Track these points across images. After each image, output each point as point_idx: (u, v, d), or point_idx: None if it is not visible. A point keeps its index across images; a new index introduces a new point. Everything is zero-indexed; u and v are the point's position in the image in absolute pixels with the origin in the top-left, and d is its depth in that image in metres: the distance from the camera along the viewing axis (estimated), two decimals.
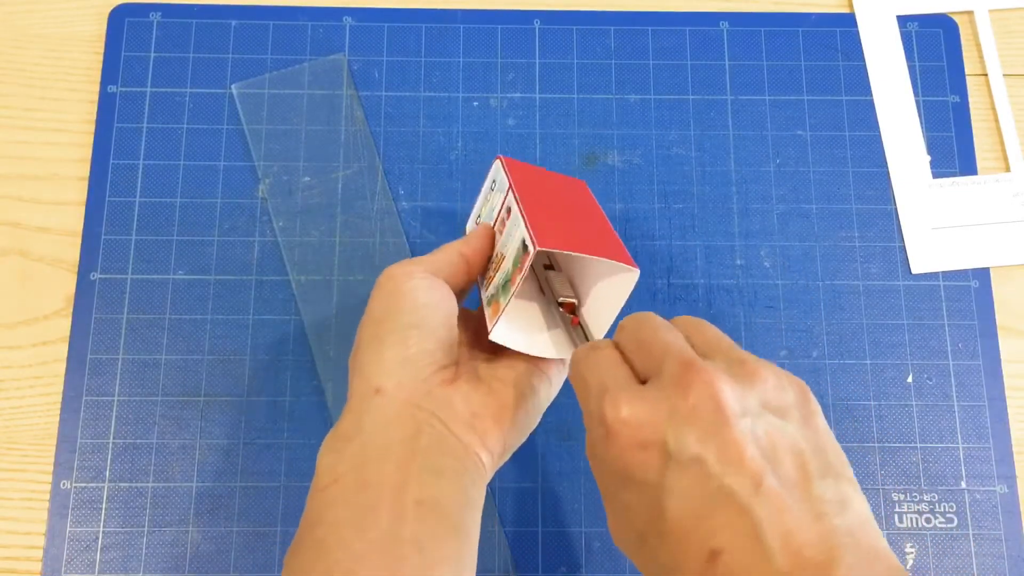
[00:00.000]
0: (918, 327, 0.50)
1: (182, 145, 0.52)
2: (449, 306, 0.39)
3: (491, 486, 0.47)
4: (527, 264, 0.37)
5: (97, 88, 0.53)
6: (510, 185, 0.41)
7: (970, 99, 0.55)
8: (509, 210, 0.41)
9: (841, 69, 0.55)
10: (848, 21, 0.56)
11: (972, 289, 0.51)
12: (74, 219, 0.51)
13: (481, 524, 0.47)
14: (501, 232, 0.41)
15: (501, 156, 0.44)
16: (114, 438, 0.48)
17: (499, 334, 0.39)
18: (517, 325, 0.40)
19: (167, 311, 0.50)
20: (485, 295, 0.41)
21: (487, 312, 0.40)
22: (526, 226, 0.38)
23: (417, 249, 0.51)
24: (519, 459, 0.48)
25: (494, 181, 0.44)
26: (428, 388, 0.37)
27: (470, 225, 0.46)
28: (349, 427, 0.36)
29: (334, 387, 0.48)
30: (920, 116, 0.54)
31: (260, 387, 0.49)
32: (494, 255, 0.42)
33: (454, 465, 0.36)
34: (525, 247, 0.38)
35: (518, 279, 0.38)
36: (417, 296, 0.38)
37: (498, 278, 0.40)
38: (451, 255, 0.41)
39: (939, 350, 0.50)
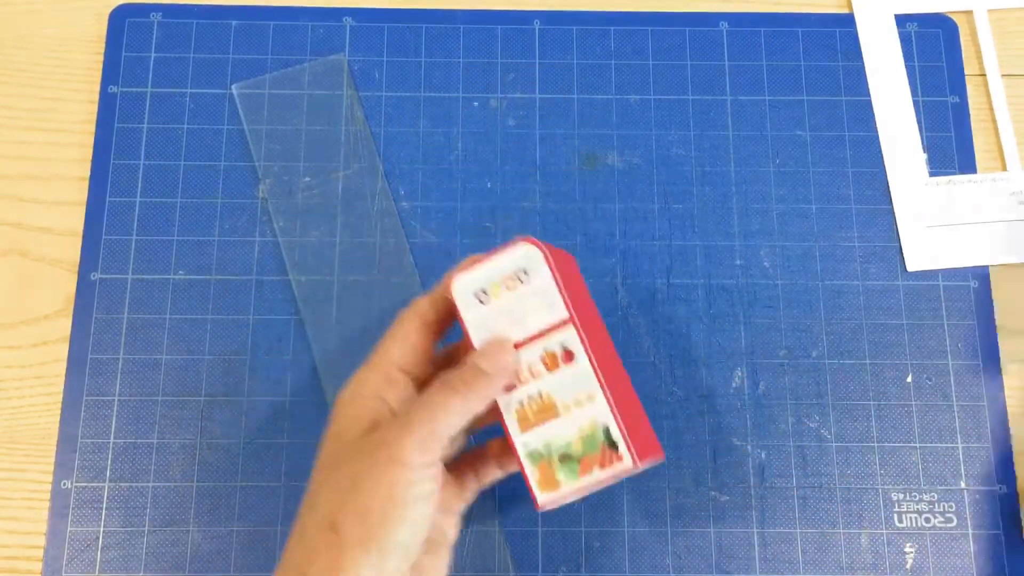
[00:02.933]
0: (917, 327, 0.50)
1: (182, 145, 0.52)
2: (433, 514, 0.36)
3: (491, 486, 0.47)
4: (612, 472, 0.36)
5: (97, 88, 0.53)
6: (572, 318, 0.37)
7: (969, 99, 0.55)
8: (570, 354, 0.37)
9: (840, 69, 0.55)
10: (847, 21, 0.56)
11: (971, 289, 0.51)
12: (74, 219, 0.51)
13: (481, 524, 0.47)
14: (549, 366, 0.38)
15: (540, 244, 0.38)
16: (114, 438, 0.48)
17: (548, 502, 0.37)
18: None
19: (167, 311, 0.50)
20: (522, 442, 0.37)
21: (530, 470, 0.37)
22: (617, 423, 0.36)
23: (417, 249, 0.51)
24: None
25: (524, 272, 0.38)
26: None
27: (460, 283, 0.39)
28: None
29: (334, 387, 0.48)
30: (919, 116, 0.54)
31: (260, 387, 0.49)
32: (535, 388, 0.38)
33: None
34: (612, 443, 0.36)
35: (591, 479, 0.36)
36: (415, 510, 0.34)
37: (551, 434, 0.37)
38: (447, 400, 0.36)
39: (938, 350, 0.50)
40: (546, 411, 0.37)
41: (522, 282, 0.38)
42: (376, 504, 0.33)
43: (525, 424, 0.38)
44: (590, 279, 0.51)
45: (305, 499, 0.36)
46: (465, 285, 0.38)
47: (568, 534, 0.47)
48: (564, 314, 0.37)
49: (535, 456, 0.37)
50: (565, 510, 0.47)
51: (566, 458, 0.37)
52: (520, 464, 0.38)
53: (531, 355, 0.38)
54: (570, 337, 0.37)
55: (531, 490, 0.37)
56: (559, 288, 0.38)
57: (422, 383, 0.39)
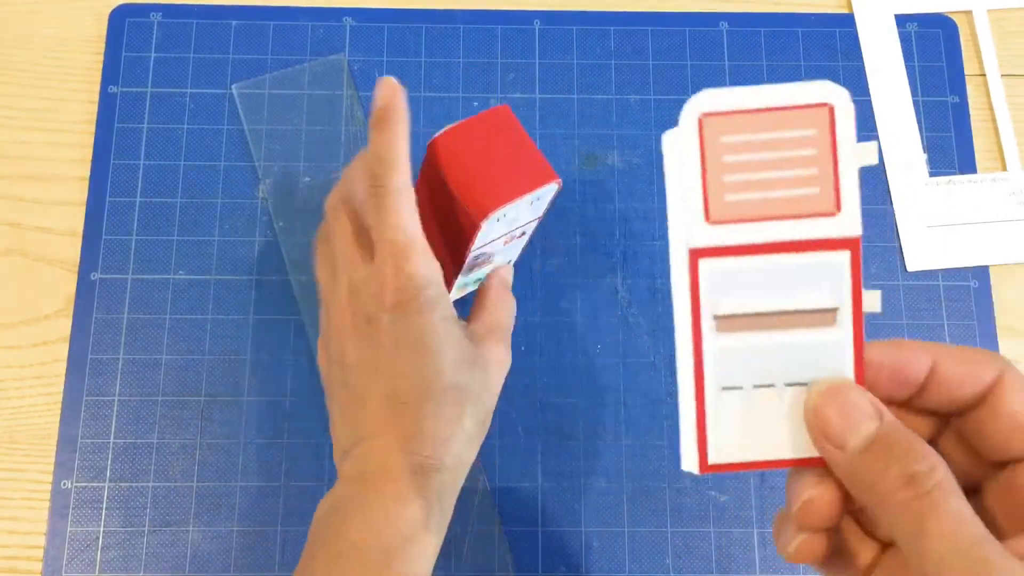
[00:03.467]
0: (918, 327, 0.50)
1: (182, 145, 0.52)
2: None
3: (491, 486, 0.48)
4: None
5: (97, 88, 0.53)
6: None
7: (969, 99, 0.55)
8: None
9: (840, 69, 0.55)
10: (847, 21, 0.56)
11: (971, 289, 0.51)
12: (74, 219, 0.51)
13: (481, 524, 0.47)
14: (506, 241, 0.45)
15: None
16: (114, 438, 0.48)
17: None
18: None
19: (167, 311, 0.50)
20: (462, 275, 0.44)
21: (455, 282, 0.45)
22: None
23: None
24: (519, 459, 0.48)
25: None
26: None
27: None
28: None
29: None
30: (919, 116, 0.54)
31: (260, 387, 0.49)
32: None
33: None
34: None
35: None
36: (462, 353, 0.40)
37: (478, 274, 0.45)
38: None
39: None
40: (485, 263, 0.45)
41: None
42: (414, 358, 0.39)
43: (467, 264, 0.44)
44: (590, 279, 0.51)
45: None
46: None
47: (568, 534, 0.47)
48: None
49: (462, 285, 0.47)
50: (565, 510, 0.47)
51: (476, 282, 0.47)
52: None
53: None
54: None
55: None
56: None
57: None
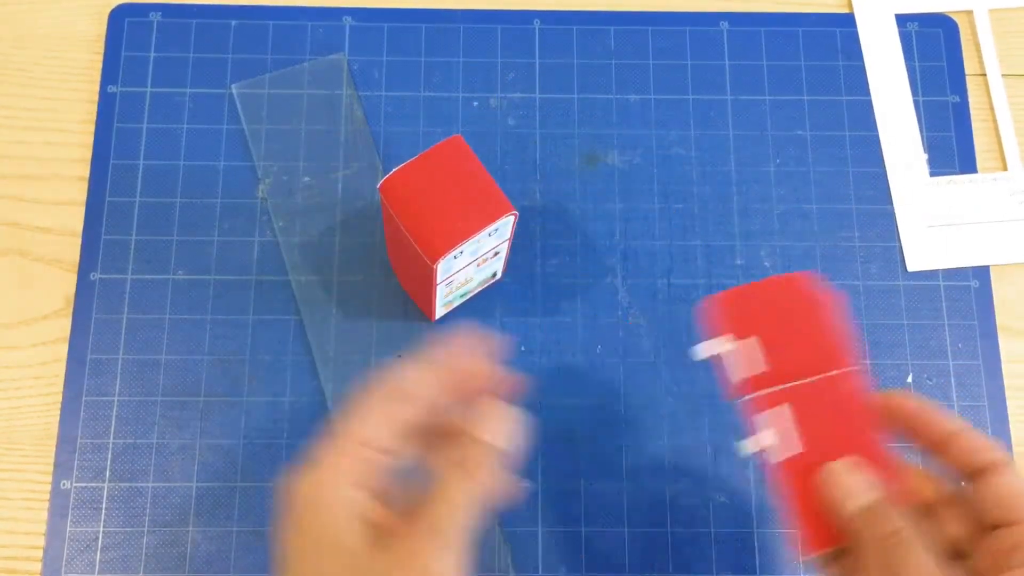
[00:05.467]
0: (918, 327, 0.50)
1: (182, 145, 0.52)
2: None
3: None
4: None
5: (97, 88, 0.53)
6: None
7: (969, 99, 0.55)
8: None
9: (841, 69, 0.55)
10: (848, 21, 0.56)
11: (972, 289, 0.51)
12: (74, 219, 0.51)
13: (481, 524, 0.47)
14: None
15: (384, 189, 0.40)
16: (114, 438, 0.48)
17: None
18: None
19: (167, 311, 0.50)
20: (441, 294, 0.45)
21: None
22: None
23: None
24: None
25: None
26: None
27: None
28: None
29: (334, 387, 0.48)
30: (920, 116, 0.54)
31: (260, 387, 0.49)
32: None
33: None
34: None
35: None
36: None
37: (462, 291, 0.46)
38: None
39: (939, 350, 0.50)
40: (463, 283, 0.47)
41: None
42: None
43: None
44: (590, 279, 0.51)
45: None
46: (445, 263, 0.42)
47: (568, 534, 0.47)
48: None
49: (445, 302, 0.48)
50: (565, 510, 0.47)
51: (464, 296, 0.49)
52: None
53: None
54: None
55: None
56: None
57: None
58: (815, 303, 0.35)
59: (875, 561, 0.32)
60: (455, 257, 0.42)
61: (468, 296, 0.50)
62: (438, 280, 0.43)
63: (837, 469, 0.34)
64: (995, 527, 0.32)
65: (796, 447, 0.34)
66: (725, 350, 0.35)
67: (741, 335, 0.35)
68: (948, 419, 0.34)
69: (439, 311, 0.49)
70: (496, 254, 0.46)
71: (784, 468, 0.34)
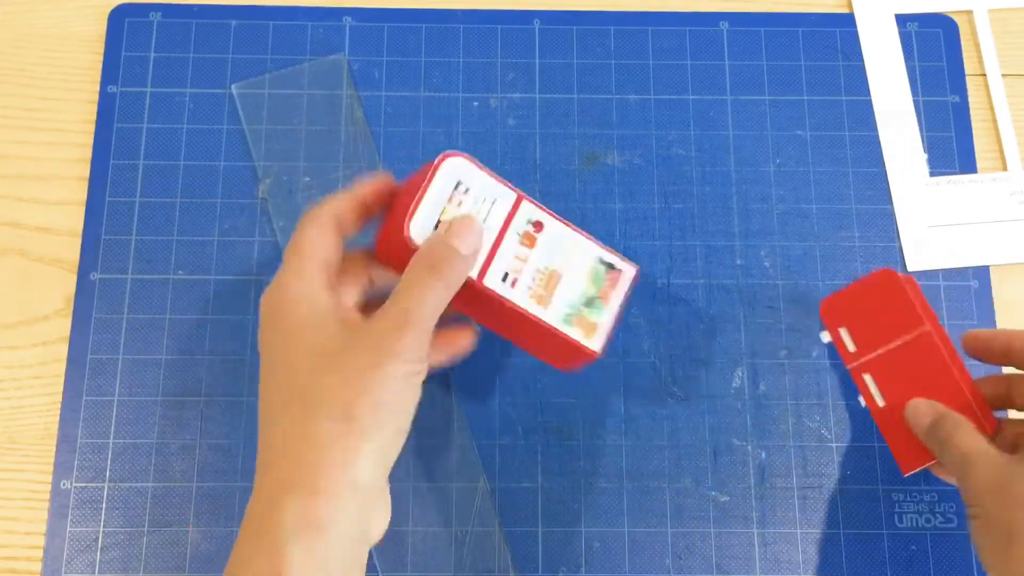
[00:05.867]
0: None
1: (182, 145, 0.52)
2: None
3: (491, 486, 0.47)
4: (626, 284, 0.42)
5: (97, 88, 0.53)
6: (519, 195, 0.41)
7: (969, 99, 0.55)
8: (538, 224, 0.41)
9: (841, 69, 0.55)
10: (848, 21, 0.56)
11: (972, 289, 0.51)
12: (74, 219, 0.51)
13: (481, 524, 0.47)
14: (529, 244, 0.41)
15: (457, 154, 0.40)
16: (114, 438, 0.48)
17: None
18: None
19: (167, 311, 0.50)
20: (551, 315, 0.40)
21: (571, 331, 0.40)
22: (604, 248, 0.42)
23: None
24: (519, 459, 0.48)
25: (461, 184, 0.40)
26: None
27: (416, 227, 0.39)
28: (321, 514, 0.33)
29: None
30: (920, 116, 0.54)
31: None
32: (532, 268, 0.40)
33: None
34: (611, 266, 0.41)
35: (615, 301, 0.41)
36: (415, 399, 0.36)
37: (566, 293, 0.40)
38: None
39: None
40: (552, 279, 0.41)
41: (466, 193, 0.40)
42: (389, 397, 0.34)
43: (542, 300, 0.40)
44: None
45: (291, 397, 0.35)
46: (420, 226, 0.39)
47: (568, 534, 0.47)
48: (512, 196, 0.41)
49: (568, 319, 0.41)
50: (565, 510, 0.47)
51: (589, 301, 0.41)
52: (561, 335, 0.40)
53: (511, 245, 0.40)
54: (530, 210, 0.41)
55: (583, 348, 0.40)
56: (496, 178, 0.40)
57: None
58: (891, 290, 0.45)
59: (944, 457, 0.40)
60: (437, 225, 0.40)
61: (597, 307, 0.44)
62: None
63: (911, 404, 0.43)
64: None
65: (880, 401, 0.45)
66: (827, 340, 0.47)
67: (836, 327, 0.46)
68: (999, 334, 0.43)
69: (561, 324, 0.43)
70: (539, 225, 0.42)
71: (876, 416, 0.45)
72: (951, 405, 0.43)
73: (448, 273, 0.37)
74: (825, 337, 0.47)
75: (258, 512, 0.34)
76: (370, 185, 0.41)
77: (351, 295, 0.40)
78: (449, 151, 0.40)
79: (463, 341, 0.42)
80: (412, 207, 0.39)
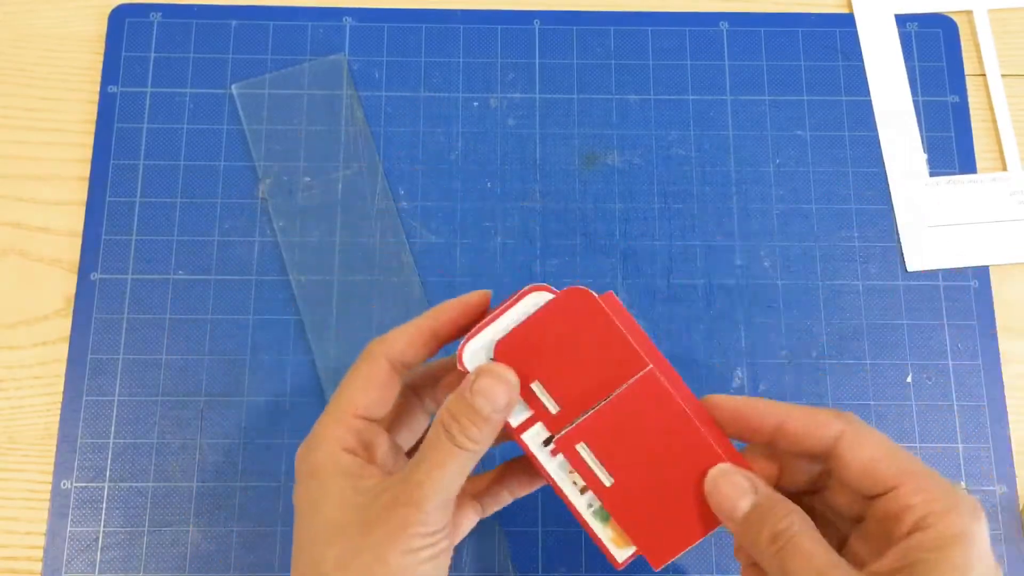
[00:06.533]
0: (918, 327, 0.50)
1: (182, 145, 0.52)
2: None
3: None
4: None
5: (97, 88, 0.53)
6: (652, 372, 0.33)
7: (969, 99, 0.55)
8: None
9: (840, 69, 0.55)
10: (847, 21, 0.56)
11: (972, 289, 0.51)
12: (74, 219, 0.51)
13: (481, 524, 0.47)
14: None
15: (552, 290, 0.34)
16: (114, 438, 0.48)
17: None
18: None
19: (167, 311, 0.50)
20: (585, 503, 0.35)
21: (600, 530, 0.35)
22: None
23: (417, 249, 0.51)
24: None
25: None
26: None
27: (471, 351, 0.34)
28: None
29: (334, 387, 0.48)
30: (920, 116, 0.54)
31: (260, 387, 0.49)
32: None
33: None
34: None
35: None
36: (439, 568, 0.33)
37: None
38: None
39: (939, 350, 0.50)
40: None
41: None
42: (402, 573, 0.32)
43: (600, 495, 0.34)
44: (590, 279, 0.51)
45: (302, 570, 0.33)
46: (475, 352, 0.34)
47: (568, 534, 0.47)
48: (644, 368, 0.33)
49: (604, 515, 0.35)
50: (565, 510, 0.47)
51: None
52: (588, 529, 0.35)
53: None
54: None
55: (607, 552, 0.35)
56: (618, 331, 0.33)
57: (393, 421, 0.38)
58: (589, 316, 0.33)
59: (768, 563, 0.31)
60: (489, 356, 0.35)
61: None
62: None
63: (715, 472, 0.33)
64: (872, 497, 0.31)
65: (607, 480, 0.34)
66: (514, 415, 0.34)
67: (526, 382, 0.34)
68: (769, 408, 0.33)
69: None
70: None
71: (605, 500, 0.34)
72: (701, 462, 0.33)
73: (463, 441, 0.32)
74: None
75: None
76: (455, 308, 0.35)
77: (409, 436, 0.38)
78: (543, 286, 0.34)
79: (516, 493, 0.39)
80: (476, 329, 0.34)
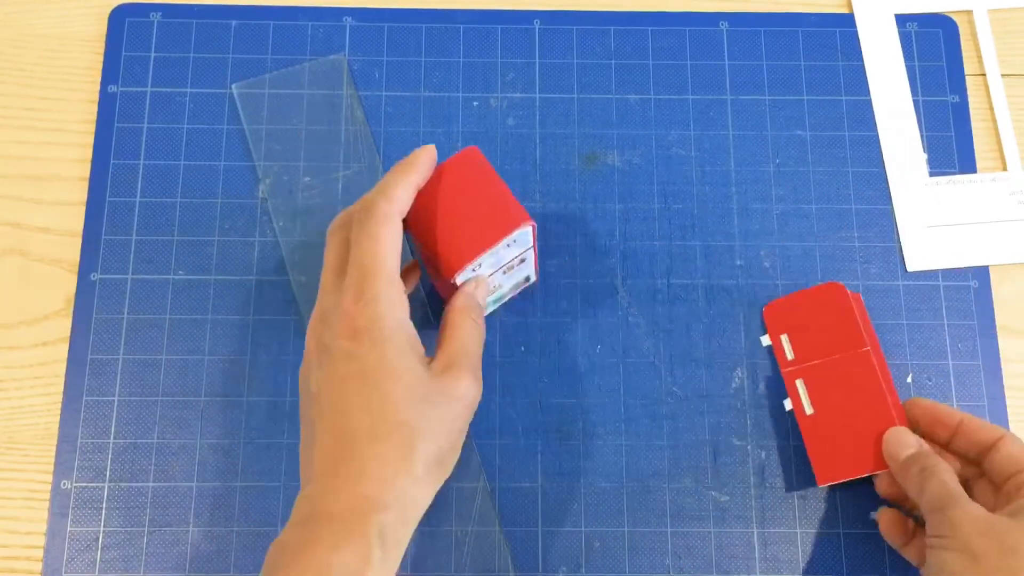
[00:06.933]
0: (918, 327, 0.50)
1: (182, 145, 0.52)
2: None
3: (491, 486, 0.48)
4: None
5: (97, 88, 0.53)
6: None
7: (969, 99, 0.55)
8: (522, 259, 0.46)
9: (840, 69, 0.55)
10: (847, 21, 0.56)
11: (971, 289, 0.51)
12: (74, 219, 0.51)
13: (481, 524, 0.47)
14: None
15: (531, 223, 0.43)
16: (114, 438, 0.48)
17: None
18: None
19: (167, 311, 0.50)
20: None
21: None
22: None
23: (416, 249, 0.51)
24: (519, 459, 0.48)
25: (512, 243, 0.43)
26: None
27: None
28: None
29: None
30: (920, 116, 0.54)
31: (260, 387, 0.49)
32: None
33: None
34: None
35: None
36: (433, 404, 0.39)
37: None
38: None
39: (939, 350, 0.50)
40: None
41: (507, 247, 0.43)
42: (462, 439, 0.42)
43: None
44: (590, 279, 0.51)
45: (389, 429, 0.38)
46: (465, 273, 0.42)
47: (568, 534, 0.47)
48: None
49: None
50: (565, 510, 0.47)
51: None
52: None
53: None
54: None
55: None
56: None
57: None
58: (837, 304, 0.48)
59: (913, 487, 0.42)
60: (473, 270, 0.42)
61: (504, 300, 0.50)
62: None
63: (895, 430, 0.44)
64: (1006, 481, 0.41)
65: (809, 408, 0.47)
66: (767, 343, 0.49)
67: (778, 333, 0.49)
68: (953, 410, 0.45)
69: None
70: (522, 261, 0.46)
71: (801, 422, 0.47)
72: (879, 427, 0.44)
73: (480, 320, 0.43)
74: (765, 341, 0.49)
75: (342, 514, 0.36)
76: (426, 164, 0.42)
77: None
78: (527, 219, 0.42)
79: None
80: (469, 257, 0.41)
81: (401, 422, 0.37)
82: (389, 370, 0.38)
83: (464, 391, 0.40)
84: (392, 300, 0.38)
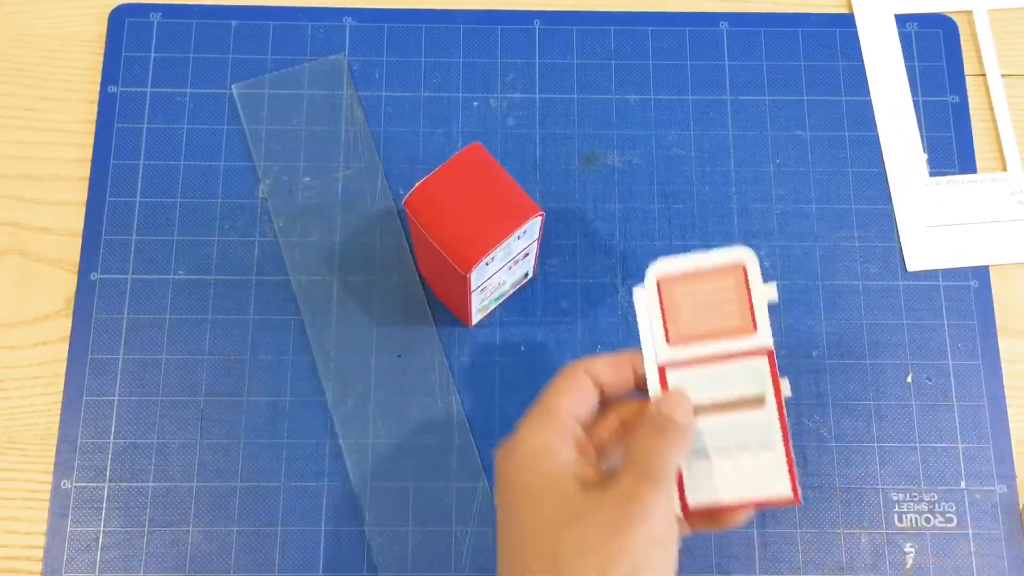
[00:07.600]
0: (918, 327, 0.50)
1: (182, 145, 0.52)
2: None
3: (491, 486, 0.47)
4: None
5: (97, 88, 0.53)
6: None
7: (969, 99, 0.55)
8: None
9: (840, 69, 0.55)
10: (847, 21, 0.56)
11: (971, 289, 0.51)
12: (74, 219, 0.51)
13: (481, 524, 0.47)
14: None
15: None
16: (114, 438, 0.48)
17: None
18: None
19: (167, 311, 0.50)
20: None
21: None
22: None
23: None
24: None
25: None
26: None
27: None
28: None
29: (334, 387, 0.48)
30: (919, 116, 0.54)
31: (260, 387, 0.49)
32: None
33: None
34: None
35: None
36: (674, 557, 0.34)
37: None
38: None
39: (939, 350, 0.50)
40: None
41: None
42: (642, 561, 0.32)
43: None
44: (590, 279, 0.51)
45: (537, 563, 0.34)
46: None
47: None
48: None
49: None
50: None
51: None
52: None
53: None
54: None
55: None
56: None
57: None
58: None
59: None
60: (487, 264, 0.42)
61: (503, 299, 0.50)
62: (472, 288, 0.43)
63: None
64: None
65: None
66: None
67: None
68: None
69: (475, 316, 0.49)
70: (526, 255, 0.46)
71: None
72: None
73: (677, 441, 0.35)
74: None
75: None
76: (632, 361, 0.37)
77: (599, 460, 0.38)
78: (537, 209, 0.41)
79: (736, 519, 0.37)
80: (485, 250, 0.41)
81: (547, 551, 0.34)
82: (527, 493, 0.35)
83: (647, 506, 0.34)
84: (539, 426, 0.36)
